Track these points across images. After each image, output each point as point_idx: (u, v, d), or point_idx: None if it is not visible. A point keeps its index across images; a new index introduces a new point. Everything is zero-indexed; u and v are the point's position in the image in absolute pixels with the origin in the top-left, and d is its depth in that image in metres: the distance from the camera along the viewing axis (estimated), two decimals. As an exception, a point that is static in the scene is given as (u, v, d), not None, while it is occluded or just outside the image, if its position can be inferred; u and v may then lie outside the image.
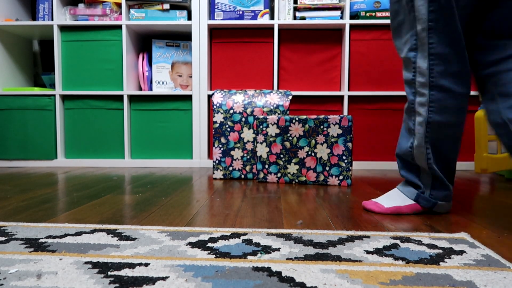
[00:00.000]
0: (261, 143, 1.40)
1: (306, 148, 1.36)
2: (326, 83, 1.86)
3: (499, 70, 0.81)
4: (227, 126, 1.48)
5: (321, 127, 1.34)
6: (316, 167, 1.36)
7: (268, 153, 1.40)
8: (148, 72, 1.93)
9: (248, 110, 1.46)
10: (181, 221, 0.83)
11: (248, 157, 1.46)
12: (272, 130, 1.39)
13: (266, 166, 1.40)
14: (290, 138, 1.37)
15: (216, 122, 1.48)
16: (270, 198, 1.10)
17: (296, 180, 1.38)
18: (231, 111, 1.48)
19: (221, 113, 1.49)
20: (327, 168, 1.34)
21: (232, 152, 1.47)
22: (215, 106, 1.50)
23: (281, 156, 1.39)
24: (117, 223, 0.81)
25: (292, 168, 1.38)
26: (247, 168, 1.47)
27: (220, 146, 1.48)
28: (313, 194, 1.16)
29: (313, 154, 1.36)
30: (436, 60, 0.82)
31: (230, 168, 1.47)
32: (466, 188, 1.32)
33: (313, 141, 1.35)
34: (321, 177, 1.35)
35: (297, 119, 1.37)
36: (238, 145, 1.47)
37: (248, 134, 1.46)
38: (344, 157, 1.32)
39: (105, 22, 1.84)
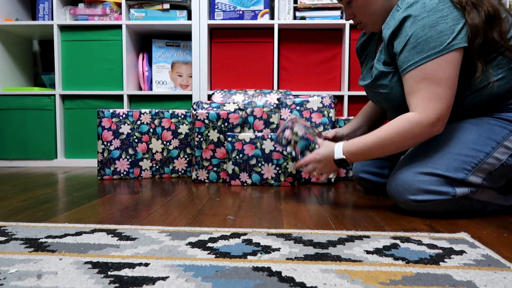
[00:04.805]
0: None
1: None
2: (326, 83, 1.86)
3: None
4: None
5: None
6: None
7: None
8: (148, 72, 1.93)
9: (248, 110, 1.46)
10: (181, 221, 0.83)
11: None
12: None
13: None
14: None
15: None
16: (270, 198, 1.10)
17: None
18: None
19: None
20: None
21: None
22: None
23: None
24: (117, 223, 0.81)
25: None
26: None
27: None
28: (313, 194, 1.16)
29: None
30: None
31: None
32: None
33: None
34: (350, 173, 1.46)
35: None
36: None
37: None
38: None
39: (105, 22, 1.84)
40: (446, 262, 0.59)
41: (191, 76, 1.92)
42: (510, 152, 0.87)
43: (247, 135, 1.31)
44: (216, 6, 1.82)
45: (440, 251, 0.64)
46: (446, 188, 0.85)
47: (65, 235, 0.72)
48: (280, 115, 1.43)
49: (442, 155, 0.87)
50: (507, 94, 0.89)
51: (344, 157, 0.92)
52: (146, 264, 0.57)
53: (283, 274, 0.54)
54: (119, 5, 1.88)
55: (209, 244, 0.67)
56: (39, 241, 0.68)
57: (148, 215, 0.88)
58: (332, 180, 1.35)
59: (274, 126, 1.44)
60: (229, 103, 1.43)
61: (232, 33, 1.84)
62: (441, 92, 0.83)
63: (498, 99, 0.90)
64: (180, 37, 2.01)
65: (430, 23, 0.82)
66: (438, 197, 0.85)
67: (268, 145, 1.30)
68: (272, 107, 1.47)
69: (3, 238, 0.69)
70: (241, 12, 1.81)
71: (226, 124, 1.38)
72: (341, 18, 1.83)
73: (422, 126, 0.84)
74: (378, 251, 0.64)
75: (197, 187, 1.29)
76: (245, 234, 0.73)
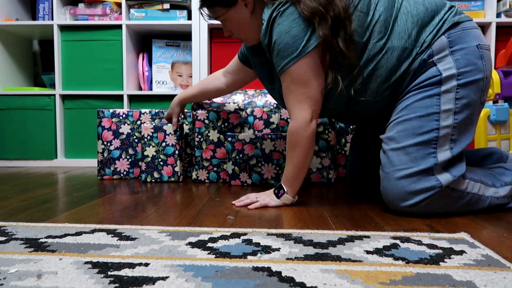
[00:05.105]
0: None
1: (337, 147, 1.46)
2: (326, 83, 1.86)
3: None
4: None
5: (350, 127, 1.44)
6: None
7: None
8: (148, 72, 1.93)
9: (248, 110, 1.46)
10: (181, 221, 0.83)
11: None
12: None
13: None
14: None
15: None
16: (270, 198, 1.10)
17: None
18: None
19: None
20: None
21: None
22: (215, 106, 1.50)
23: None
24: (117, 223, 0.81)
25: None
26: None
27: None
28: (313, 194, 1.16)
29: (343, 152, 1.45)
30: None
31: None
32: (466, 188, 1.31)
33: (343, 140, 1.45)
34: None
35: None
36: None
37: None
38: None
39: (105, 22, 1.84)
40: (446, 262, 0.59)
41: (191, 76, 1.92)
42: (451, 112, 0.87)
43: (247, 135, 1.31)
44: (216, 6, 1.82)
45: (440, 251, 0.64)
46: (430, 181, 0.85)
47: (65, 235, 0.72)
48: (280, 115, 1.43)
49: (404, 153, 0.88)
50: (397, 65, 0.90)
51: (284, 188, 0.97)
52: (146, 264, 0.57)
53: (283, 274, 0.54)
54: (119, 5, 1.88)
55: (209, 244, 0.67)
56: (39, 241, 0.68)
57: (148, 215, 0.88)
58: (332, 180, 1.36)
59: (274, 126, 1.44)
60: (229, 103, 1.43)
61: (232, 33, 1.84)
62: (309, 92, 0.90)
63: (393, 73, 0.91)
64: (180, 37, 2.01)
65: (285, 29, 0.87)
66: (428, 194, 0.85)
67: (268, 145, 1.30)
68: (272, 107, 1.47)
69: (3, 238, 0.69)
70: (241, 12, 1.81)
71: (226, 124, 1.38)
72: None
73: (301, 128, 0.91)
74: (378, 251, 0.64)
75: (197, 187, 1.29)
76: (245, 234, 0.73)
